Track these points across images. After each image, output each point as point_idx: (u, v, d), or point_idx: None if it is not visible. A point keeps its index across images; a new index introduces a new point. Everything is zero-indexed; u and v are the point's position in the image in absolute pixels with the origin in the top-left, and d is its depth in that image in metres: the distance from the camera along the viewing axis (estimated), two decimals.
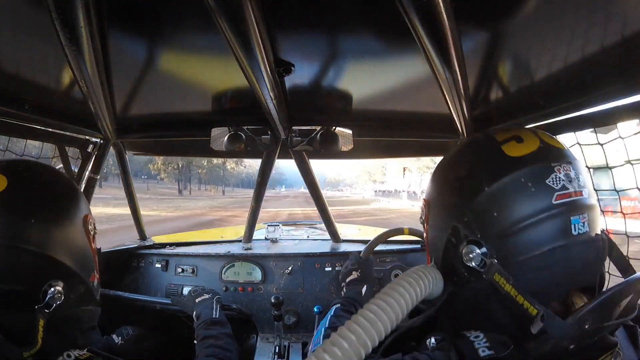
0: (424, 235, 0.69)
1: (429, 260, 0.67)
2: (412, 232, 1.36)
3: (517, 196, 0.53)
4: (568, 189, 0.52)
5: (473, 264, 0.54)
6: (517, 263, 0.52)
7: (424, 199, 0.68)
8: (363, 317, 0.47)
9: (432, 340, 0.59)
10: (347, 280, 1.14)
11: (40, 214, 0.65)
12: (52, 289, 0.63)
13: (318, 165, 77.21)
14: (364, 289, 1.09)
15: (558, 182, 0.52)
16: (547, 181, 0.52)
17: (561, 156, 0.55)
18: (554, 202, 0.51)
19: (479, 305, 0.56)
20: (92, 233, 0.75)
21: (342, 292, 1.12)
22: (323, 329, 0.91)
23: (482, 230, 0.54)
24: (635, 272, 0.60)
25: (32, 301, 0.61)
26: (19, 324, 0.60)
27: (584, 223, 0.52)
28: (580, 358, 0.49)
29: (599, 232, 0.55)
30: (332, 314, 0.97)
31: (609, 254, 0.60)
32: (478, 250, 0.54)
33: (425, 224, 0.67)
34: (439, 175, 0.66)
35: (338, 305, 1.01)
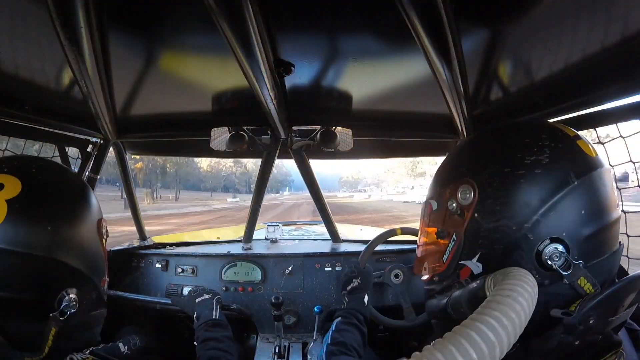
0: (453, 222, 0.57)
1: (451, 256, 0.57)
2: (405, 231, 1.37)
3: (600, 195, 0.50)
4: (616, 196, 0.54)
5: (555, 265, 0.48)
6: (592, 265, 0.49)
7: (470, 180, 0.55)
8: (479, 336, 0.36)
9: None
10: (349, 288, 1.13)
11: (55, 220, 0.61)
12: (67, 297, 0.61)
13: (330, 164, 69.37)
14: (365, 299, 1.07)
15: (614, 188, 0.53)
16: (612, 186, 0.52)
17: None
18: (618, 206, 0.52)
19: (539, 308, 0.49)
20: (104, 237, 0.73)
21: (344, 301, 1.11)
22: (325, 346, 0.89)
23: (568, 228, 0.49)
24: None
25: (45, 310, 0.59)
26: (27, 332, 0.58)
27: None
28: (584, 355, 0.49)
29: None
30: (333, 328, 0.94)
31: None
32: (563, 249, 0.48)
33: (466, 212, 0.55)
34: (500, 155, 0.55)
35: (340, 318, 0.99)
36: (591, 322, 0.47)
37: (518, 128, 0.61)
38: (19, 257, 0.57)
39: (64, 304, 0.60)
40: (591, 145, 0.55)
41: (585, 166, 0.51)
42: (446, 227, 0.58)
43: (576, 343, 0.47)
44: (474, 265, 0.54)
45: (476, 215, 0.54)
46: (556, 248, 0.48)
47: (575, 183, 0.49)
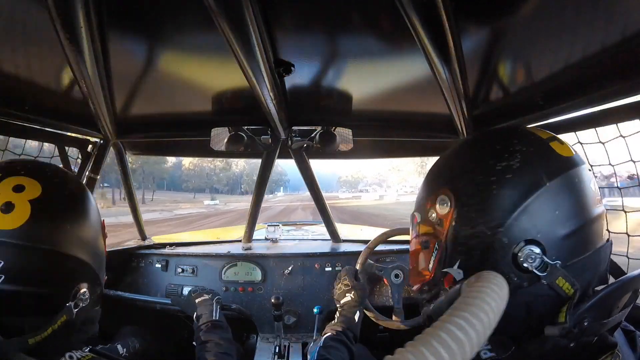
0: (435, 232, 0.59)
1: (436, 262, 0.58)
2: (391, 234, 1.36)
3: (576, 194, 0.52)
4: (598, 194, 0.54)
5: (532, 266, 0.49)
6: (571, 265, 0.50)
7: (446, 190, 0.57)
8: (449, 336, 0.36)
9: None
10: (342, 302, 1.11)
11: (72, 219, 0.66)
12: (82, 290, 0.65)
13: (327, 163, 68.94)
14: (356, 316, 1.05)
15: (595, 186, 0.54)
16: (590, 184, 0.53)
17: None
18: (597, 205, 0.53)
19: (518, 311, 0.51)
20: (106, 236, 0.78)
21: (337, 313, 1.09)
22: None
23: (543, 229, 0.50)
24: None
25: (58, 303, 0.62)
26: (34, 324, 0.60)
27: (606, 226, 0.55)
28: (580, 357, 0.49)
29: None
30: (321, 344, 0.93)
31: None
32: (539, 251, 0.49)
33: (444, 221, 0.57)
34: (473, 163, 0.57)
35: (328, 334, 0.97)
36: (585, 324, 0.47)
37: (491, 135, 0.63)
38: (42, 254, 0.60)
39: (79, 296, 0.65)
40: (569, 145, 0.56)
41: (558, 167, 0.52)
42: (430, 237, 0.60)
43: (571, 345, 0.48)
44: (456, 272, 0.56)
45: (454, 223, 0.56)
46: (532, 250, 0.49)
47: (547, 184, 0.51)
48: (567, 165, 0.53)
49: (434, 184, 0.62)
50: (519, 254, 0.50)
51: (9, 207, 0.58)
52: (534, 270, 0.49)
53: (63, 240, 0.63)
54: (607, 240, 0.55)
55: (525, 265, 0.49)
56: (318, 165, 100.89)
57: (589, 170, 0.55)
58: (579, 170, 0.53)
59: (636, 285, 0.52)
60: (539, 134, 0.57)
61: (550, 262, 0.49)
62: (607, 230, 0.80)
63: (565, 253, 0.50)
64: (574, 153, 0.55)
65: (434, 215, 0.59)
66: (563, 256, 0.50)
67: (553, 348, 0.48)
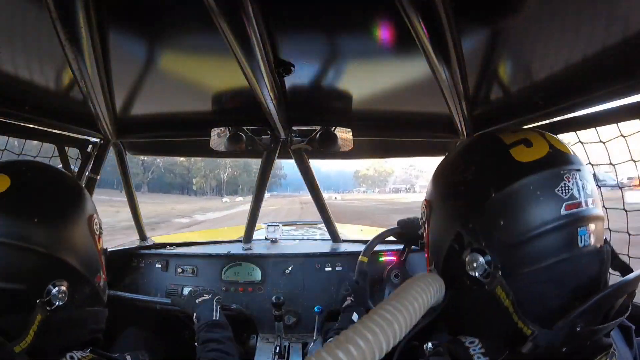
0: (424, 236, 0.66)
1: (428, 262, 0.65)
2: (365, 254, 1.34)
3: (526, 204, 0.50)
4: (576, 198, 0.51)
5: (476, 273, 0.51)
6: (521, 275, 0.50)
7: (425, 200, 0.65)
8: (379, 317, 0.44)
9: (429, 345, 0.58)
10: (343, 306, 1.17)
11: (42, 213, 0.64)
12: (56, 288, 0.63)
13: (335, 162, 61.64)
14: (354, 316, 1.08)
15: (567, 191, 0.51)
16: (556, 190, 0.50)
17: (570, 162, 0.53)
18: (562, 213, 0.50)
19: (478, 312, 0.54)
20: (97, 233, 0.75)
21: (338, 320, 1.13)
22: None
23: (487, 239, 0.51)
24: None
25: (34, 301, 0.61)
26: (15, 324, 0.59)
27: (589, 234, 0.51)
28: (574, 359, 0.49)
29: (603, 243, 0.54)
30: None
31: (611, 264, 0.58)
32: (482, 260, 0.51)
33: (426, 226, 0.64)
34: (442, 175, 0.63)
35: (332, 338, 0.99)
36: (578, 329, 0.47)
37: (464, 145, 0.65)
38: (8, 249, 0.60)
39: (52, 294, 0.62)
40: (548, 145, 0.54)
41: (508, 176, 0.52)
42: (424, 238, 0.67)
43: (563, 350, 0.48)
44: (433, 271, 0.62)
45: (428, 229, 0.63)
46: (476, 257, 0.52)
47: (494, 195, 0.51)
48: (521, 173, 0.51)
49: (428, 188, 0.68)
50: (467, 261, 0.52)
51: None
52: (478, 277, 0.51)
53: (30, 235, 0.61)
54: (587, 250, 0.51)
55: (470, 272, 0.52)
56: (327, 164, 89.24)
57: (555, 175, 0.51)
58: (536, 177, 0.51)
59: (632, 288, 0.51)
60: (506, 139, 0.55)
61: (491, 270, 0.50)
62: (627, 232, 0.80)
63: (512, 263, 0.50)
64: (541, 156, 0.52)
65: (423, 219, 0.66)
66: (510, 266, 0.50)
67: (546, 351, 0.48)
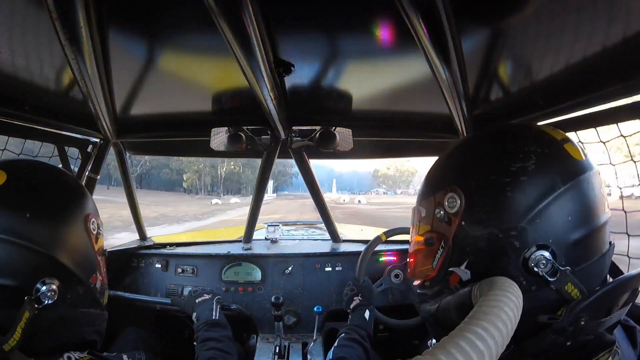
0: (441, 230, 0.57)
1: (441, 262, 0.57)
2: (388, 234, 1.36)
3: (588, 200, 0.50)
4: (607, 199, 0.54)
5: (542, 272, 0.48)
6: (580, 270, 0.50)
7: (456, 188, 0.56)
8: (469, 346, 0.37)
9: (434, 341, 0.58)
10: (352, 306, 1.16)
11: (36, 209, 0.63)
12: (46, 287, 0.62)
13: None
14: (367, 314, 1.09)
15: (604, 191, 0.53)
16: (601, 190, 0.52)
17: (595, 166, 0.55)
18: (606, 210, 0.52)
19: (527, 314, 0.49)
20: (94, 233, 0.73)
21: (348, 320, 1.13)
22: None
23: (554, 234, 0.49)
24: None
25: (17, 297, 0.60)
26: (6, 320, 0.59)
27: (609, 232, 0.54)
28: (577, 355, 0.49)
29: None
30: (336, 345, 0.97)
31: None
32: (549, 256, 0.49)
33: (453, 219, 0.55)
34: (486, 162, 0.55)
35: (343, 335, 1.01)
36: (582, 323, 0.47)
37: (505, 133, 0.60)
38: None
39: (41, 291, 0.61)
40: (580, 148, 0.55)
41: (572, 171, 0.51)
42: (435, 234, 0.59)
43: (568, 344, 0.48)
44: (463, 272, 0.55)
45: (463, 223, 0.54)
46: (542, 255, 0.49)
47: (562, 189, 0.50)
48: (580, 169, 0.52)
49: (442, 180, 0.60)
50: (530, 258, 0.49)
51: None
52: (545, 275, 0.48)
53: (21, 230, 0.61)
54: (611, 244, 0.55)
55: (536, 270, 0.49)
56: (343, 164, 79.78)
57: (599, 174, 0.54)
58: (590, 175, 0.52)
59: (635, 284, 0.52)
60: (553, 134, 0.55)
61: (561, 267, 0.48)
62: (627, 233, 0.82)
63: (574, 259, 0.50)
64: (584, 157, 0.54)
65: (441, 212, 0.57)
66: (572, 262, 0.49)
67: (551, 346, 0.48)
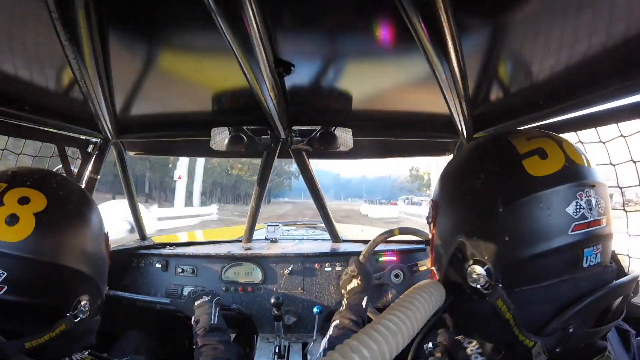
0: (429, 236, 0.64)
1: (432, 262, 0.63)
2: (403, 231, 1.36)
3: (532, 222, 0.48)
4: (587, 218, 0.48)
5: (478, 285, 0.50)
6: (521, 292, 0.49)
7: (431, 200, 0.62)
8: (384, 327, 0.44)
9: (430, 345, 0.58)
10: (348, 288, 1.10)
11: (76, 233, 0.66)
12: (83, 302, 0.66)
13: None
14: (364, 302, 1.05)
15: (578, 210, 0.48)
16: (566, 209, 0.48)
17: (585, 177, 0.50)
18: (570, 233, 0.48)
19: (478, 320, 0.54)
20: (109, 249, 0.78)
21: (343, 300, 1.08)
22: (323, 351, 0.90)
23: (490, 252, 0.50)
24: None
25: (59, 314, 0.63)
26: (33, 330, 0.60)
27: (596, 255, 0.49)
28: None
29: (609, 263, 0.53)
30: (330, 333, 0.95)
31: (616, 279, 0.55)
32: (483, 272, 0.50)
33: (432, 226, 0.62)
34: (450, 178, 0.61)
35: (337, 322, 0.98)
36: (571, 330, 0.47)
37: (475, 147, 0.61)
38: (44, 267, 0.61)
39: (80, 307, 0.65)
40: (565, 157, 0.51)
41: (518, 191, 0.49)
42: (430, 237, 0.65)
43: (557, 350, 0.48)
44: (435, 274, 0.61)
45: (434, 229, 0.61)
46: (478, 270, 0.51)
47: (500, 210, 0.49)
48: (533, 188, 0.49)
49: (435, 189, 0.65)
50: (468, 272, 0.52)
51: (13, 220, 0.59)
52: (480, 289, 0.51)
53: (65, 253, 0.63)
54: (592, 271, 0.50)
55: (471, 283, 0.51)
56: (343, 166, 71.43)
57: (575, 191, 0.48)
58: (548, 193, 0.48)
59: (626, 291, 0.51)
60: (520, 147, 0.52)
61: (492, 283, 0.50)
62: (627, 233, 0.78)
63: (514, 279, 0.49)
64: (555, 170, 0.49)
65: (429, 218, 0.63)
66: (510, 281, 0.49)
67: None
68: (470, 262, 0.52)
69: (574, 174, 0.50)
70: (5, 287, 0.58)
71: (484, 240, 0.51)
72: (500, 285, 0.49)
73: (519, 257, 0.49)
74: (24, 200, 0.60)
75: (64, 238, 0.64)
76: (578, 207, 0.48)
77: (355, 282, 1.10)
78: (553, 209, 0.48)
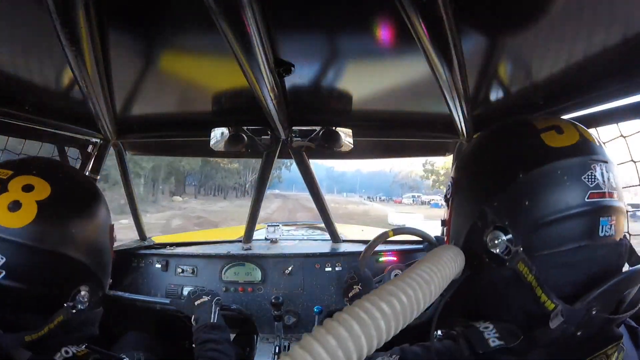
0: (445, 214, 0.67)
1: (447, 241, 0.65)
2: (396, 232, 1.36)
3: (551, 188, 0.51)
4: (601, 188, 0.51)
5: (497, 250, 0.52)
6: (541, 256, 0.51)
7: (451, 177, 0.65)
8: (419, 276, 0.45)
9: (439, 332, 0.58)
10: (350, 295, 1.15)
11: (78, 223, 0.66)
12: (81, 293, 0.65)
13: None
14: None
15: (593, 179, 0.51)
16: (582, 177, 0.51)
17: (599, 153, 0.53)
18: (586, 200, 0.51)
19: (495, 292, 0.55)
20: (114, 241, 0.78)
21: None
22: None
23: (511, 218, 0.52)
24: None
25: (57, 304, 0.63)
26: (33, 322, 0.61)
27: (611, 226, 0.52)
28: (586, 346, 0.49)
29: (622, 237, 0.55)
30: None
31: (627, 259, 0.58)
32: (504, 237, 0.52)
33: (449, 203, 0.64)
34: (472, 155, 0.64)
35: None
36: (594, 312, 0.48)
37: (494, 129, 0.65)
38: (44, 255, 0.61)
39: (78, 298, 0.65)
40: (579, 133, 0.55)
41: (538, 159, 0.53)
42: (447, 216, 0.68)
43: (578, 333, 0.49)
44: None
45: (451, 206, 0.64)
46: (499, 235, 0.53)
47: (520, 176, 0.53)
48: (551, 157, 0.52)
49: (455, 167, 0.69)
50: (488, 238, 0.53)
51: (16, 206, 0.59)
52: (500, 254, 0.52)
53: (66, 242, 0.63)
54: (607, 241, 0.52)
55: (492, 249, 0.53)
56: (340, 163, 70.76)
57: (589, 162, 0.52)
58: (565, 162, 0.52)
59: None
60: (537, 124, 0.57)
61: (513, 247, 0.51)
62: (628, 232, 0.79)
63: (533, 243, 0.51)
64: (571, 143, 0.53)
65: (447, 195, 0.66)
66: (530, 246, 0.51)
67: (560, 336, 0.48)
68: (491, 228, 0.53)
69: (587, 148, 0.54)
70: (4, 273, 0.58)
71: (504, 206, 0.53)
72: (521, 249, 0.51)
73: (539, 222, 0.51)
74: (28, 188, 0.61)
75: (65, 227, 0.64)
76: (592, 177, 0.51)
77: (356, 289, 1.15)
78: (570, 177, 0.51)
